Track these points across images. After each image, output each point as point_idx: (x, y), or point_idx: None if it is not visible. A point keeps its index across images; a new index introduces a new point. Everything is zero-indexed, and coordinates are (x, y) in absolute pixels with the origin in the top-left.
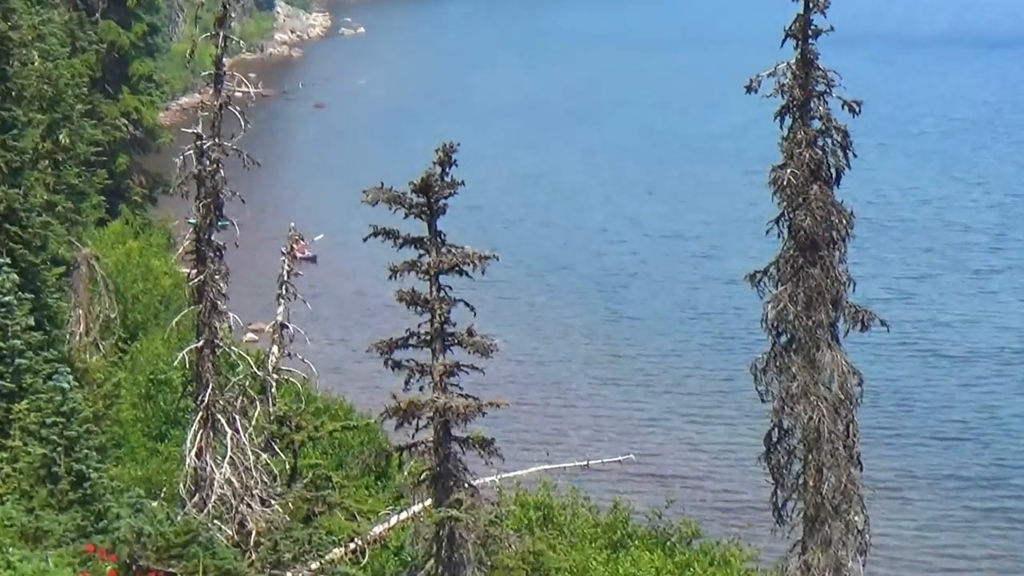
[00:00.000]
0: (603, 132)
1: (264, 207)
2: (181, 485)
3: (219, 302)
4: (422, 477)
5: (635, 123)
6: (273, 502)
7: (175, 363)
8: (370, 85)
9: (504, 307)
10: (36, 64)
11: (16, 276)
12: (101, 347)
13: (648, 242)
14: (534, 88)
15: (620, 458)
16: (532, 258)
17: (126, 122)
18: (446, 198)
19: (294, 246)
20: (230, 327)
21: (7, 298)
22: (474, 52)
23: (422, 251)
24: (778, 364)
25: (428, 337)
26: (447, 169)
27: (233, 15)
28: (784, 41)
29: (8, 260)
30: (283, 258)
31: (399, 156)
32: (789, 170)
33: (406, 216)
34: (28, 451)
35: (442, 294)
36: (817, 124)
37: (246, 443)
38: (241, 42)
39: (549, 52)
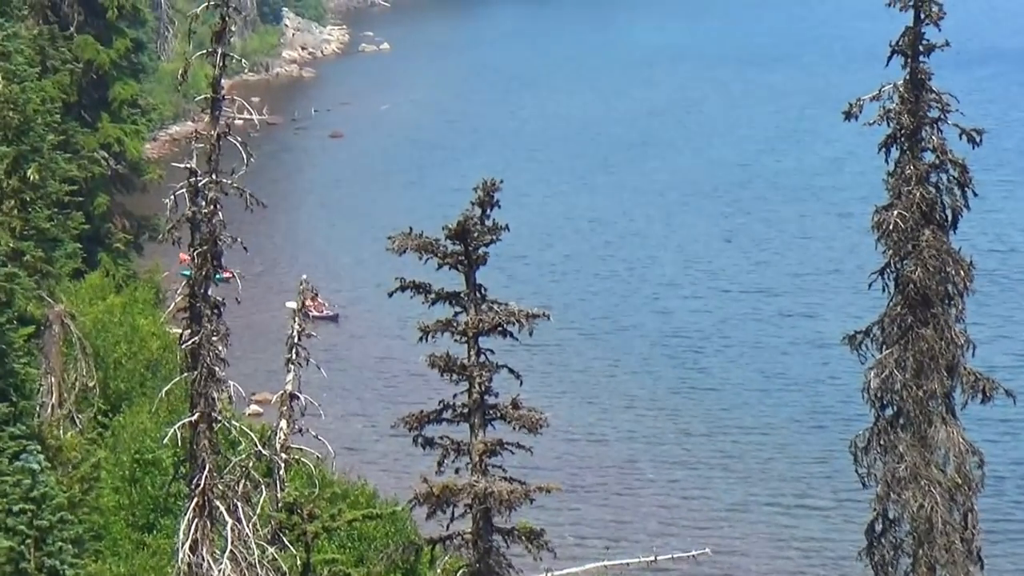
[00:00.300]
0: (671, 167)
1: (271, 256)
2: None
3: (217, 368)
4: (458, 575)
5: (709, 156)
6: None
7: (165, 440)
8: (395, 111)
9: (555, 375)
10: (0, 87)
11: None
12: (77, 421)
13: (726, 298)
14: (588, 114)
15: (694, 553)
16: (588, 317)
17: (106, 155)
18: (487, 245)
19: (310, 303)
20: (230, 398)
21: None
22: (516, 72)
23: (458, 308)
24: (882, 442)
25: (465, 410)
26: (488, 211)
27: (233, 29)
28: (890, 59)
29: None
30: (293, 316)
31: (430, 195)
32: (896, 212)
33: (439, 267)
34: None
35: (482, 359)
36: (930, 157)
37: (249, 535)
38: (243, 60)
39: (606, 71)
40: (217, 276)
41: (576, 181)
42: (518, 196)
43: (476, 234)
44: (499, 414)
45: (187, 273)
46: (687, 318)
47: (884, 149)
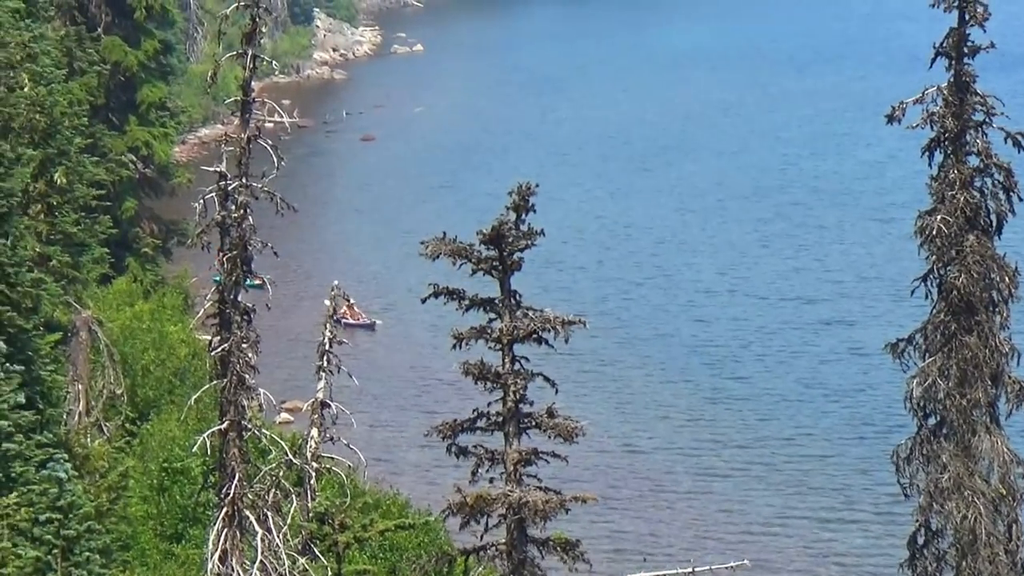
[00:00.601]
0: (707, 171)
1: (301, 261)
2: None
3: (247, 375)
4: None
5: (747, 160)
6: None
7: (194, 449)
8: (428, 114)
9: (589, 383)
10: (26, 89)
11: (3, 344)
12: (105, 429)
13: (764, 306)
14: (623, 117)
15: (732, 565)
16: (623, 324)
17: (134, 159)
18: (522, 250)
19: (346, 311)
20: (260, 405)
21: None
22: (550, 74)
23: (493, 315)
24: (925, 452)
25: (500, 418)
26: (523, 216)
27: (264, 30)
28: (934, 61)
29: None
30: (325, 323)
31: (463, 200)
32: (939, 217)
33: (473, 272)
34: (18, 553)
35: (517, 367)
36: (974, 161)
37: (280, 545)
38: (273, 62)
39: (641, 73)
40: (250, 282)
41: (611, 185)
42: (552, 200)
43: (511, 239)
44: (534, 423)
45: (219, 279)
46: (724, 325)
47: (927, 153)
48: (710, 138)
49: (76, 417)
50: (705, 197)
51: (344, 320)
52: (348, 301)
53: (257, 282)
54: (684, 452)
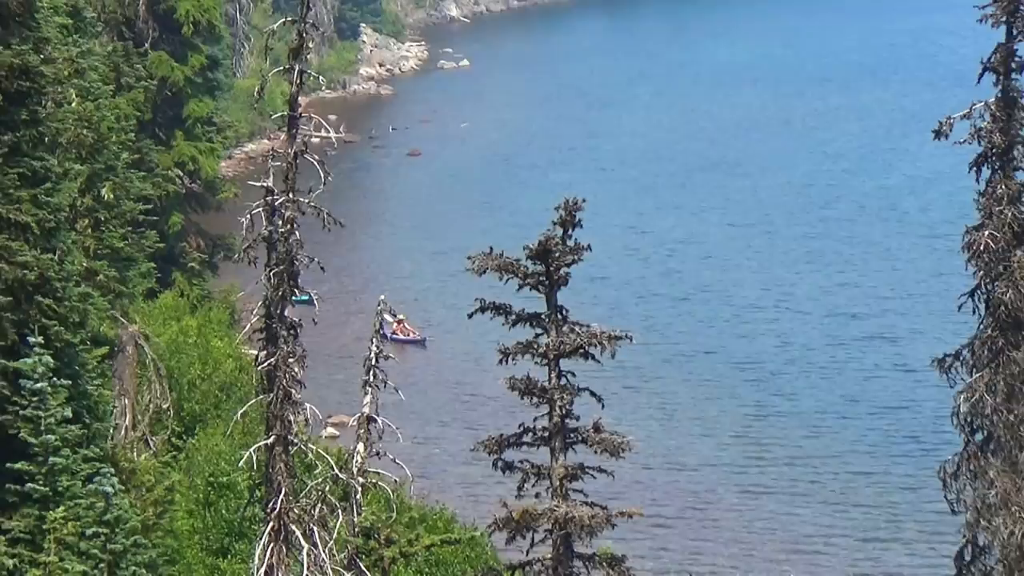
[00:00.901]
0: (753, 187)
1: (348, 276)
2: None
3: (293, 390)
4: None
5: (792, 176)
6: None
7: (240, 463)
8: (474, 129)
9: (635, 399)
10: (73, 104)
11: (50, 359)
12: (151, 443)
13: (809, 322)
14: (668, 132)
15: None
16: (668, 340)
17: (181, 173)
18: (568, 266)
19: (397, 326)
20: (306, 420)
21: (39, 385)
22: (595, 89)
23: (539, 330)
24: (972, 468)
25: (546, 433)
26: (570, 231)
27: (311, 45)
28: (981, 76)
29: (41, 339)
30: (371, 338)
31: (509, 215)
32: (987, 232)
33: (520, 287)
34: (65, 567)
35: (563, 382)
36: (1022, 176)
37: (326, 560)
38: (320, 77)
39: (686, 88)
40: (298, 297)
41: (657, 200)
42: (598, 216)
43: (558, 254)
44: (580, 438)
45: (303, 297)
46: (769, 341)
47: (975, 168)
48: (755, 154)
49: (123, 431)
50: (750, 212)
51: (395, 336)
52: (398, 317)
53: (305, 297)
54: (729, 468)
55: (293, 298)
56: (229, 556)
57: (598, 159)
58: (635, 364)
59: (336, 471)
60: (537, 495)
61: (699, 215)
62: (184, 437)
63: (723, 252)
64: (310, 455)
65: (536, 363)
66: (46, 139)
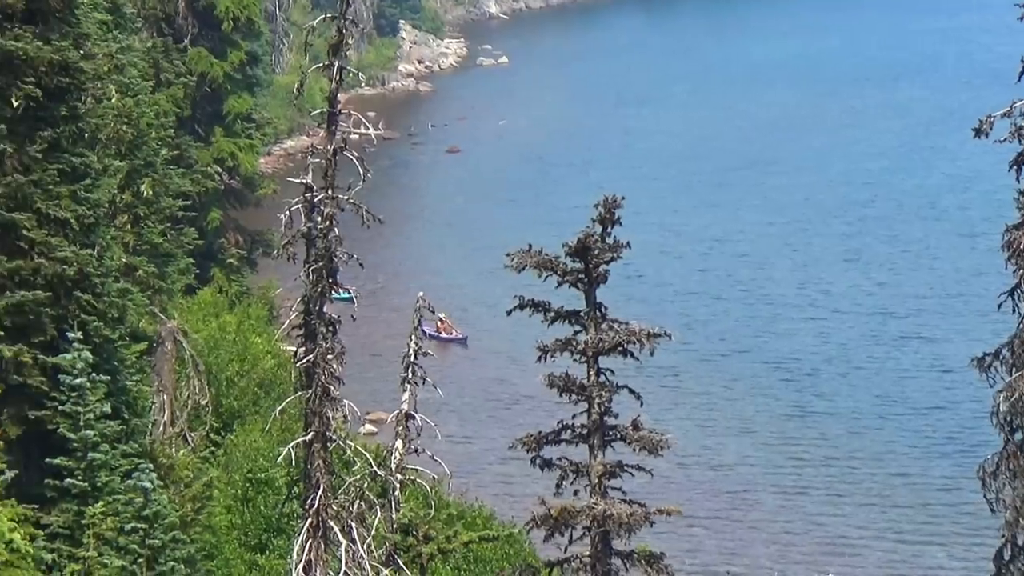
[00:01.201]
0: (790, 185)
1: (387, 273)
2: None
3: (332, 387)
4: None
5: (830, 175)
6: None
7: (278, 460)
8: (512, 126)
9: (672, 397)
10: (113, 101)
11: (89, 354)
12: (189, 439)
13: (846, 320)
14: (706, 129)
15: None
16: (705, 338)
17: (220, 170)
18: (607, 263)
19: (440, 324)
20: (345, 417)
21: (78, 380)
22: (635, 86)
23: (578, 327)
24: (1012, 467)
25: (585, 431)
26: (609, 228)
27: (350, 42)
28: (1022, 74)
29: (80, 335)
30: (410, 335)
31: (547, 212)
32: None
33: (559, 285)
34: (104, 563)
35: (602, 379)
36: None
37: (364, 556)
38: (360, 74)
39: (724, 85)
40: (340, 294)
41: (694, 199)
42: (636, 214)
43: (597, 251)
44: (619, 435)
45: (344, 296)
46: (806, 340)
47: (1015, 167)
48: (792, 152)
49: (161, 427)
50: (788, 211)
51: (437, 334)
52: (440, 316)
53: (345, 294)
54: (766, 467)
55: (333, 295)
56: (267, 552)
57: (636, 157)
58: (673, 362)
59: (374, 467)
60: (575, 492)
61: (736, 213)
62: (222, 433)
63: (760, 250)
64: (348, 451)
65: (575, 360)
66: (85, 135)
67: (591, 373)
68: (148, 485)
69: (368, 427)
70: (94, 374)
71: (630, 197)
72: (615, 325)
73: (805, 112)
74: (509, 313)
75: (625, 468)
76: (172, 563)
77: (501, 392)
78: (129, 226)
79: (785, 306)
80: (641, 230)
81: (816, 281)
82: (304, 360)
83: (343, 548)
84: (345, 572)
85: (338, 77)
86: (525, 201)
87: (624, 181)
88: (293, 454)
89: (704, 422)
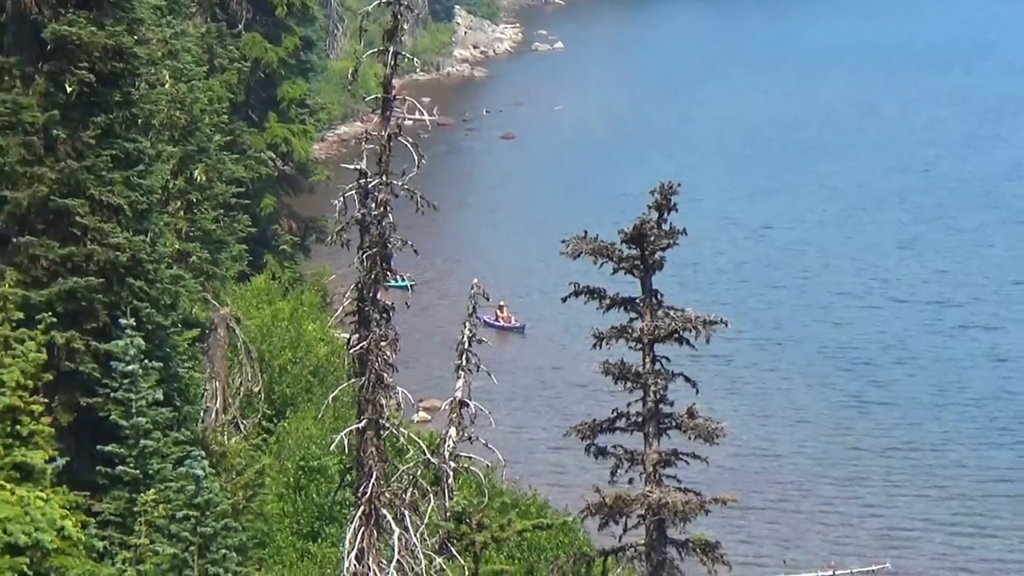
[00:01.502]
0: (846, 171)
1: (441, 259)
2: None
3: (385, 374)
4: None
5: (887, 161)
6: None
7: (331, 447)
8: (568, 111)
9: (727, 385)
10: (167, 86)
11: (142, 341)
12: (242, 427)
13: (903, 309)
14: (762, 115)
15: (873, 568)
16: (760, 326)
17: (273, 156)
18: (664, 250)
19: (498, 313)
20: (398, 404)
21: (131, 367)
22: (693, 71)
23: (634, 314)
24: None
25: (640, 419)
26: (665, 215)
27: (405, 27)
28: None
29: (132, 321)
30: (464, 321)
31: (603, 199)
32: None
33: (615, 271)
34: (155, 550)
35: (657, 366)
36: None
37: (417, 544)
38: (414, 59)
39: (780, 71)
40: (400, 281)
41: (750, 185)
42: (692, 200)
43: (653, 238)
44: (674, 423)
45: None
46: (862, 329)
47: None
48: (850, 138)
49: (213, 415)
50: (844, 198)
51: (495, 323)
52: (499, 303)
53: (403, 283)
54: (822, 456)
55: (389, 283)
56: (319, 540)
57: (693, 142)
58: (728, 350)
59: (428, 455)
60: (630, 481)
61: (792, 200)
62: (275, 421)
63: (816, 237)
64: (402, 439)
65: (630, 348)
66: (139, 121)
67: (647, 360)
68: (200, 473)
69: (421, 415)
70: (146, 361)
71: (686, 183)
72: (671, 312)
73: (861, 97)
74: (564, 300)
75: (680, 456)
76: (224, 551)
77: (555, 380)
78: (182, 212)
79: (841, 294)
80: (697, 216)
81: (872, 269)
82: (357, 347)
83: (395, 536)
84: (398, 560)
85: (392, 62)
86: (580, 187)
87: (681, 167)
88: (346, 442)
89: (759, 411)
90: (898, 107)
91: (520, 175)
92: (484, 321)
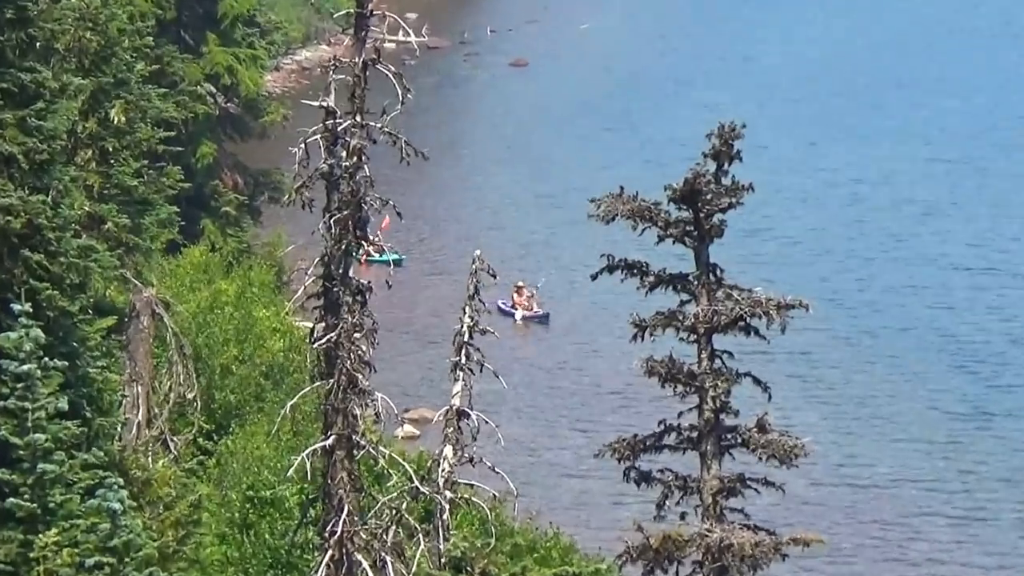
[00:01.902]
0: (949, 114)
1: (433, 224)
2: None
3: (360, 375)
4: None
5: (995, 100)
6: None
7: (289, 472)
8: (596, 32)
9: (804, 390)
10: (74, 0)
11: (40, 332)
12: (172, 445)
13: None
14: (841, 44)
15: None
16: (849, 312)
17: (213, 90)
18: (724, 211)
19: (516, 297)
20: (377, 415)
21: (25, 367)
22: None
23: (685, 296)
24: None
25: (694, 433)
26: (726, 165)
27: None
28: None
29: (28, 307)
30: (464, 306)
31: (644, 145)
32: None
33: (660, 240)
34: None
35: (717, 364)
36: None
37: None
38: None
39: None
40: (387, 256)
41: (834, 128)
42: (758, 147)
43: (710, 196)
44: (740, 439)
45: (385, 258)
46: (982, 316)
47: None
48: (960, 71)
49: (134, 429)
50: (956, 145)
51: (512, 310)
52: (519, 284)
53: (392, 256)
54: (932, 484)
55: (373, 258)
56: None
57: (754, 75)
58: (808, 343)
59: (416, 483)
60: (683, 516)
61: (889, 149)
62: (215, 437)
63: (921, 196)
64: (381, 461)
65: (681, 340)
66: (37, 45)
67: (703, 356)
68: (117, 506)
69: (408, 429)
70: (46, 359)
71: (753, 125)
72: (734, 293)
73: (962, 21)
74: (595, 277)
75: (748, 483)
76: None
77: (583, 382)
78: (94, 164)
79: (953, 269)
80: (765, 168)
81: (994, 237)
82: (324, 340)
83: None
84: None
85: None
86: (613, 130)
87: (743, 105)
88: (309, 465)
89: (849, 423)
90: (1006, 34)
91: (535, 114)
92: (498, 308)
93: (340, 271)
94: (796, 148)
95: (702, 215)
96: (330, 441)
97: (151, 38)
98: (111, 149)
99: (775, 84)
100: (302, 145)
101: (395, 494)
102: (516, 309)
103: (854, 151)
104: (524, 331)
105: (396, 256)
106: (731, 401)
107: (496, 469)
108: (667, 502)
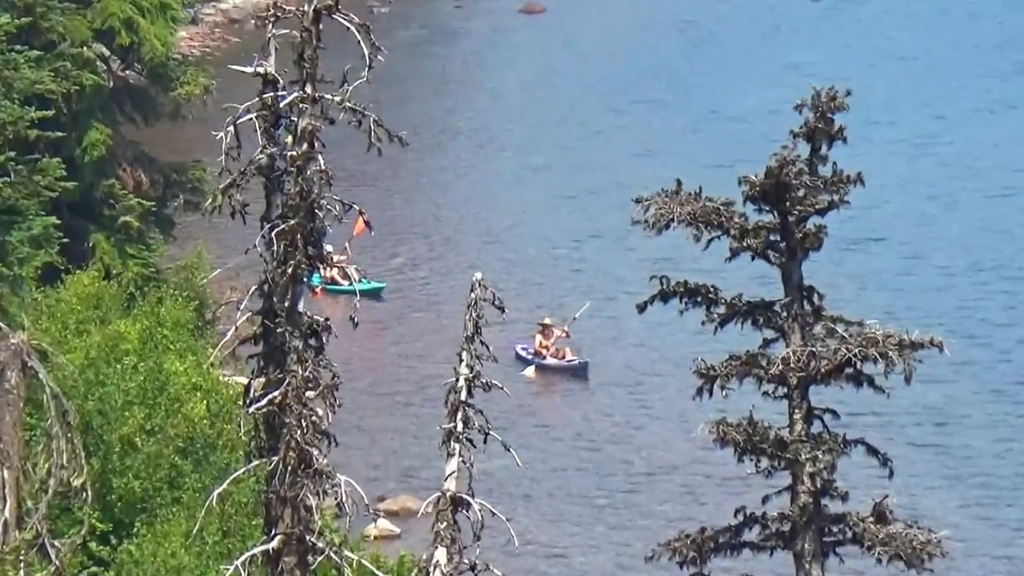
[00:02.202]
0: None
1: (415, 236)
2: None
3: (315, 451)
4: None
5: None
6: None
7: None
8: None
9: (937, 461)
10: None
11: None
12: (52, 552)
13: None
14: None
15: None
16: (995, 352)
17: (106, 52)
18: (822, 212)
19: (543, 342)
20: (340, 506)
21: None
22: None
23: (771, 332)
24: None
25: (787, 526)
26: (825, 148)
27: None
28: None
29: None
30: (460, 350)
31: (702, 119)
32: None
33: (732, 256)
34: None
35: (817, 428)
36: None
37: None
38: None
39: None
40: (364, 285)
41: (963, 98)
42: (865, 123)
43: (803, 192)
44: (850, 533)
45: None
46: None
47: None
48: None
49: (0, 531)
50: None
51: (538, 359)
52: (544, 321)
53: (366, 285)
54: None
55: (334, 287)
56: None
57: (857, 23)
58: (940, 396)
59: None
60: None
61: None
62: (113, 540)
63: None
64: (347, 572)
65: (766, 394)
66: None
67: (796, 417)
68: None
69: (384, 524)
70: None
71: (859, 92)
72: (839, 328)
73: None
74: (643, 308)
75: None
76: None
77: (628, 456)
78: None
79: None
80: (877, 152)
81: None
82: (264, 402)
83: None
84: None
85: None
86: (661, 102)
87: (836, 63)
88: None
89: (1003, 510)
90: None
91: (553, 81)
92: (516, 355)
93: (286, 305)
94: (919, 124)
95: (792, 219)
96: (275, 544)
97: None
98: None
99: (886, 35)
100: (231, 128)
101: None
102: (542, 357)
103: (1000, 126)
104: (545, 384)
105: (368, 284)
106: (836, 480)
107: None
108: None
